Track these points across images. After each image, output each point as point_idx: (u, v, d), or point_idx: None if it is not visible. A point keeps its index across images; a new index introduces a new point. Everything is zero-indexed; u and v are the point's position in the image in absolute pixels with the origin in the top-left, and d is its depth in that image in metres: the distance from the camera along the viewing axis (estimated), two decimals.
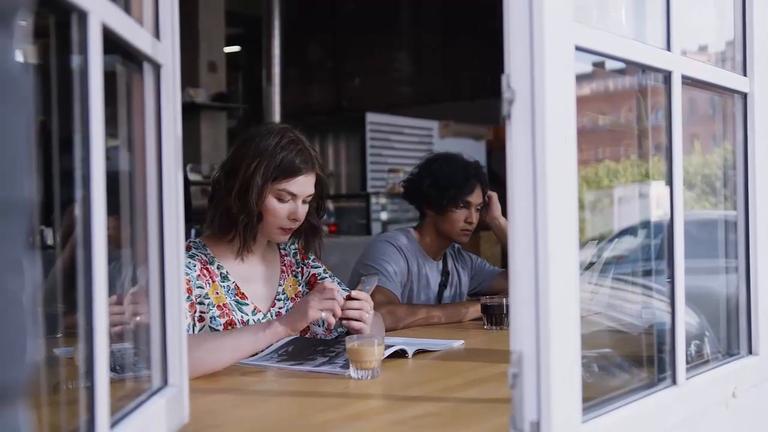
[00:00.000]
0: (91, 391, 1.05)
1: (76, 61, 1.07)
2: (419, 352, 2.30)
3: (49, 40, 1.09)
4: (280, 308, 2.47)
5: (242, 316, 2.35)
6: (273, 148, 2.31)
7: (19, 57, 0.66)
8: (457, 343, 2.48)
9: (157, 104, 1.43)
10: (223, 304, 2.33)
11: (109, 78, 1.13)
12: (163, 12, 1.44)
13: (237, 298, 2.37)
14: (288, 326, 2.16)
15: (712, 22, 2.23)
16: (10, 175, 0.63)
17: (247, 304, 2.38)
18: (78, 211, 1.05)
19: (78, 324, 1.08)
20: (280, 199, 2.34)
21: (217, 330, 2.29)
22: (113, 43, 1.18)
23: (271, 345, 2.20)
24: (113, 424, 1.14)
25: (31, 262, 0.65)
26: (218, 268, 2.37)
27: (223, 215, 2.35)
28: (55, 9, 1.03)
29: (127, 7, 1.31)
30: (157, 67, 1.42)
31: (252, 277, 2.44)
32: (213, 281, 2.33)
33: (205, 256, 2.36)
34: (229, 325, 2.31)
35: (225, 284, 2.36)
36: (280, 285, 2.51)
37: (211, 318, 2.29)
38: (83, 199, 1.05)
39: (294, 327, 2.17)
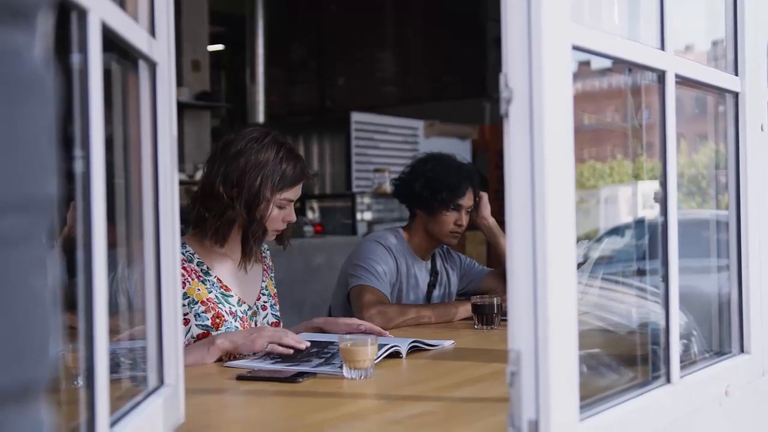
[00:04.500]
0: (91, 391, 1.05)
1: (75, 58, 1.06)
2: (413, 351, 2.31)
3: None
4: (265, 302, 2.55)
5: (229, 308, 2.41)
6: (274, 161, 2.39)
7: (42, 54, 0.66)
8: (448, 343, 2.48)
9: (153, 103, 1.42)
10: (207, 299, 2.37)
11: (104, 76, 1.12)
12: (158, 10, 1.43)
13: (222, 290, 2.42)
14: (232, 342, 2.21)
15: (702, 20, 2.24)
16: (34, 173, 0.62)
17: (232, 296, 2.44)
18: (78, 210, 1.05)
19: (73, 323, 1.08)
20: (280, 207, 2.43)
21: (205, 325, 2.33)
22: (109, 41, 1.17)
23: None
24: (112, 424, 1.13)
25: (53, 260, 0.65)
26: (198, 264, 2.42)
27: (228, 225, 2.40)
28: (54, 7, 1.02)
29: (122, 5, 1.30)
30: (152, 66, 1.41)
31: (235, 273, 2.49)
32: (192, 279, 2.37)
33: (184, 254, 2.39)
34: (217, 318, 2.36)
35: (208, 279, 2.41)
36: (263, 281, 2.59)
37: (195, 315, 2.34)
38: (83, 197, 1.04)
39: (236, 345, 2.21)
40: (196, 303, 2.34)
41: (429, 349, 2.37)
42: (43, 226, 0.63)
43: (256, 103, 9.52)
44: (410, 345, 2.31)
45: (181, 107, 7.99)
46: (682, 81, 1.71)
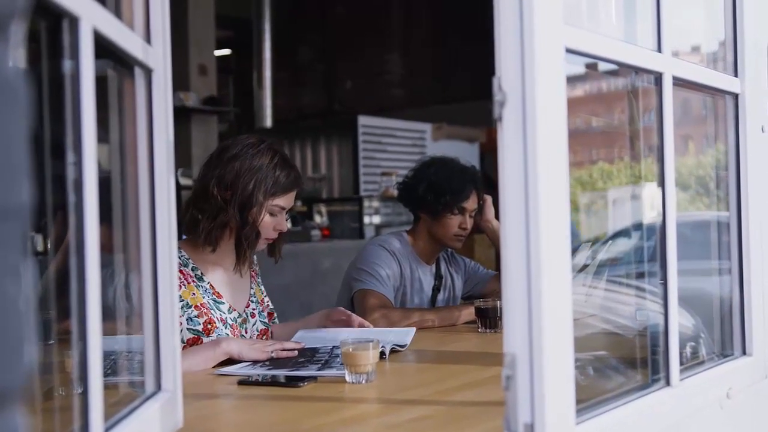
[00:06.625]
0: (84, 396, 1.05)
1: (67, 66, 1.07)
2: (393, 352, 2.36)
3: (39, 45, 1.08)
4: (253, 309, 2.58)
5: (220, 314, 2.44)
6: (268, 166, 2.42)
7: (15, 62, 0.66)
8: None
9: (149, 109, 1.43)
10: (201, 304, 2.40)
11: (100, 83, 1.13)
12: (154, 16, 1.44)
13: (214, 297, 2.45)
14: (238, 348, 2.24)
15: (702, 22, 2.23)
16: (8, 180, 0.63)
17: (224, 303, 2.47)
18: (71, 216, 1.05)
19: (71, 330, 1.08)
20: (272, 214, 2.46)
21: (197, 330, 2.36)
22: (104, 48, 1.18)
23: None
24: (107, 429, 1.14)
25: (28, 267, 0.66)
26: (193, 270, 2.44)
27: (220, 228, 2.42)
28: (46, 14, 1.03)
29: (117, 12, 1.31)
30: (148, 72, 1.42)
31: (226, 280, 2.52)
32: (188, 282, 2.40)
33: (180, 258, 2.40)
34: (208, 323, 2.39)
35: (202, 285, 2.44)
36: (252, 288, 2.61)
37: (188, 319, 2.36)
38: (76, 204, 1.05)
39: (241, 351, 2.23)
40: (190, 307, 2.37)
41: (401, 350, 2.41)
42: (16, 232, 0.64)
43: (263, 107, 9.53)
44: (391, 347, 2.36)
45: (188, 112, 8.00)
46: (681, 83, 1.71)
